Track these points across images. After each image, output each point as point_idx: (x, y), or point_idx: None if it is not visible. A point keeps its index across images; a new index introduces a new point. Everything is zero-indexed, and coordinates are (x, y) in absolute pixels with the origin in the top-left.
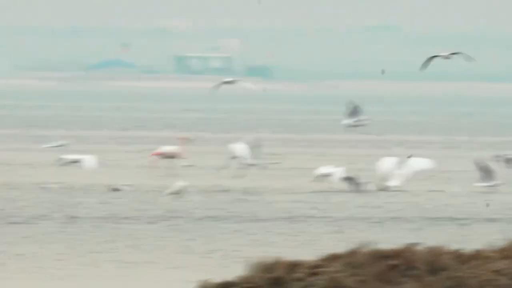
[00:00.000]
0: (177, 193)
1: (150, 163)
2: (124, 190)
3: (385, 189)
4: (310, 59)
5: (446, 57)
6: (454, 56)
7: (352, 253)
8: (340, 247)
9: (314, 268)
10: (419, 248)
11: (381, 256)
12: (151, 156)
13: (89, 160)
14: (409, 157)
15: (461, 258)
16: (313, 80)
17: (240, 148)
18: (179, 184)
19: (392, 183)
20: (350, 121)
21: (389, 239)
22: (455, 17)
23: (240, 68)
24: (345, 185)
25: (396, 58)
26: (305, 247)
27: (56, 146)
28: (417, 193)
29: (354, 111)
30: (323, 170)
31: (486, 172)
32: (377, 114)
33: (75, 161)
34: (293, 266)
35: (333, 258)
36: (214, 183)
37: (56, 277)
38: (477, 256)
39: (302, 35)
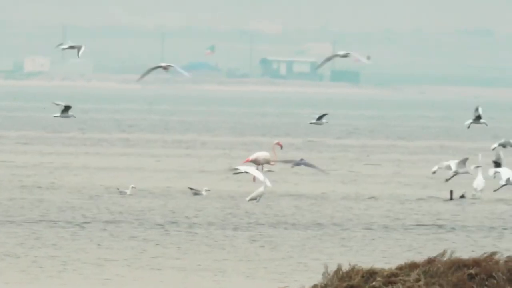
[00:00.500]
0: (256, 198)
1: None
2: (204, 195)
3: (464, 196)
4: (398, 64)
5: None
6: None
7: (429, 262)
8: (417, 255)
9: (391, 277)
10: (498, 257)
11: (459, 265)
12: (244, 163)
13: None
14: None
15: None
16: (400, 85)
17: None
18: (259, 190)
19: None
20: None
21: (468, 248)
22: None
23: (326, 73)
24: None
25: (485, 63)
26: (380, 255)
27: None
28: (496, 202)
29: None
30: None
31: None
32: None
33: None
34: (370, 274)
35: (411, 266)
36: (293, 188)
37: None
38: None
39: (391, 39)
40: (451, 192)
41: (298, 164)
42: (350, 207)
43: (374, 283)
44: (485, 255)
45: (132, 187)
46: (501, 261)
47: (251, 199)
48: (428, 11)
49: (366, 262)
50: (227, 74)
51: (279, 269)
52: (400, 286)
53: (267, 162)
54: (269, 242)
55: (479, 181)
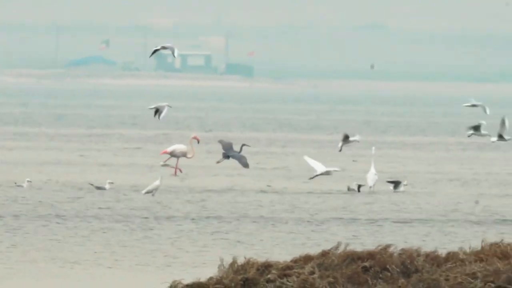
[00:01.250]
0: (152, 192)
1: (163, 161)
2: (107, 188)
3: (356, 190)
4: (292, 58)
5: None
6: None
7: (324, 255)
8: (313, 248)
9: (286, 270)
10: (393, 250)
11: (354, 258)
12: (161, 154)
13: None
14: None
15: (435, 260)
16: (294, 78)
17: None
18: (155, 183)
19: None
20: None
21: (364, 241)
22: (440, 17)
23: (220, 66)
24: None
25: (380, 57)
26: (278, 248)
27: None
28: (393, 195)
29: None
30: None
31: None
32: (355, 113)
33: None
34: (265, 267)
35: (305, 259)
36: (190, 182)
37: (26, 276)
38: (451, 259)
39: (285, 33)
40: (359, 186)
41: (227, 156)
42: (247, 200)
43: (269, 276)
44: (380, 247)
45: (28, 181)
46: (395, 254)
47: (147, 192)
48: (320, 5)
49: (261, 255)
50: (122, 67)
51: (175, 262)
52: (295, 279)
53: (184, 155)
54: (164, 236)
55: (371, 175)
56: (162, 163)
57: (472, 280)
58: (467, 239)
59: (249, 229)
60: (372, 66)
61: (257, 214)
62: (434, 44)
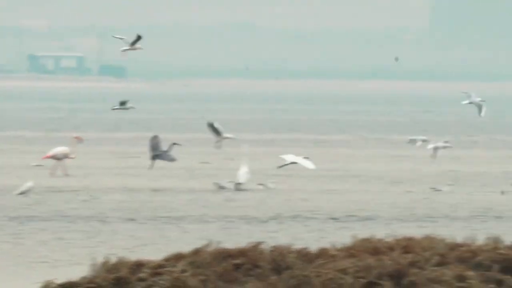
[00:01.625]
0: (25, 192)
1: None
2: None
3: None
4: (164, 58)
5: None
6: None
7: (196, 253)
8: (185, 246)
9: (158, 268)
10: (264, 247)
11: (225, 255)
12: (43, 159)
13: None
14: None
15: (306, 257)
16: (165, 78)
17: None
18: (27, 184)
19: (242, 180)
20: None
21: (236, 238)
22: (308, 16)
23: (93, 67)
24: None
25: (248, 56)
26: (151, 246)
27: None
28: (261, 192)
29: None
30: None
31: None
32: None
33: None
34: (137, 266)
35: (177, 257)
36: (67, 182)
37: None
38: (322, 255)
39: (157, 34)
40: (236, 183)
41: (156, 156)
42: (109, 199)
43: (141, 275)
44: (251, 245)
45: None
46: (266, 251)
47: (21, 193)
48: (188, 4)
49: (122, 254)
50: None
51: (46, 261)
52: (167, 277)
53: (66, 156)
54: (28, 236)
55: (242, 173)
56: (34, 163)
57: (343, 276)
58: (327, 236)
59: (111, 228)
60: (396, 59)
61: (116, 214)
62: (303, 43)
